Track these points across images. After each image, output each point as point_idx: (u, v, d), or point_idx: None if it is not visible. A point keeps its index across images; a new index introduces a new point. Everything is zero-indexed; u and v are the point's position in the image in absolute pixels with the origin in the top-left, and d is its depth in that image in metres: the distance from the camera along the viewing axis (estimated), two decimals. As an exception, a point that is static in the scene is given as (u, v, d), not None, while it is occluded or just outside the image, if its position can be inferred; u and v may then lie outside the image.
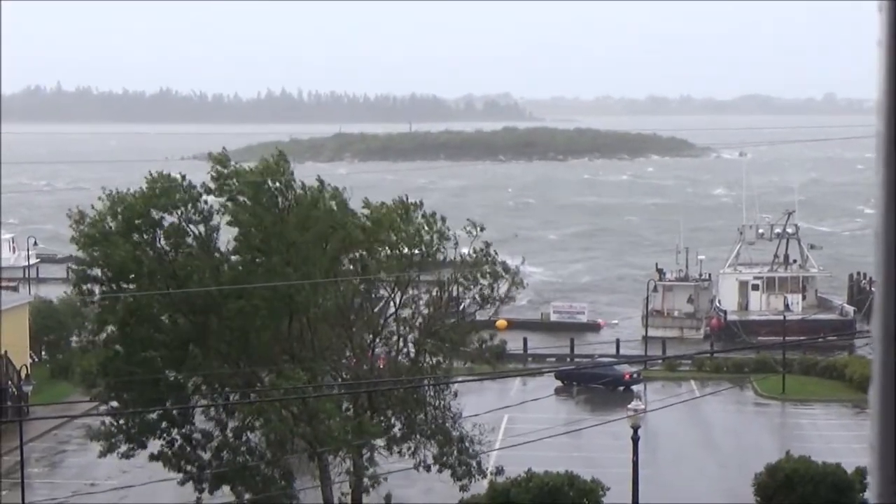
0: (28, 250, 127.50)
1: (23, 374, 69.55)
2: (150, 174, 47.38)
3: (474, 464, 47.82)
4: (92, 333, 50.07)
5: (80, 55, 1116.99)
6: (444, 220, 49.72)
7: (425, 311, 49.29)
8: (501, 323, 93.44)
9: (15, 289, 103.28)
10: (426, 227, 48.98)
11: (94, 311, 48.51)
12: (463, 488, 47.57)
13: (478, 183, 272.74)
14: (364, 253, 48.77)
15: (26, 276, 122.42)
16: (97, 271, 46.48)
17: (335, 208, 47.38)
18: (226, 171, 46.60)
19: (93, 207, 46.81)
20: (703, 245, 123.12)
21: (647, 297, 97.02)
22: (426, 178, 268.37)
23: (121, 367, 45.39)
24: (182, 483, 47.45)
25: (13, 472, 59.86)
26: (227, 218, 46.66)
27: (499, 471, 48.17)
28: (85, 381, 46.55)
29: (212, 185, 46.63)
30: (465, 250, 49.48)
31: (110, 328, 47.03)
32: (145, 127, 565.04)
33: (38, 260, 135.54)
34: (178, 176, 47.42)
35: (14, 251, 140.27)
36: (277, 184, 45.94)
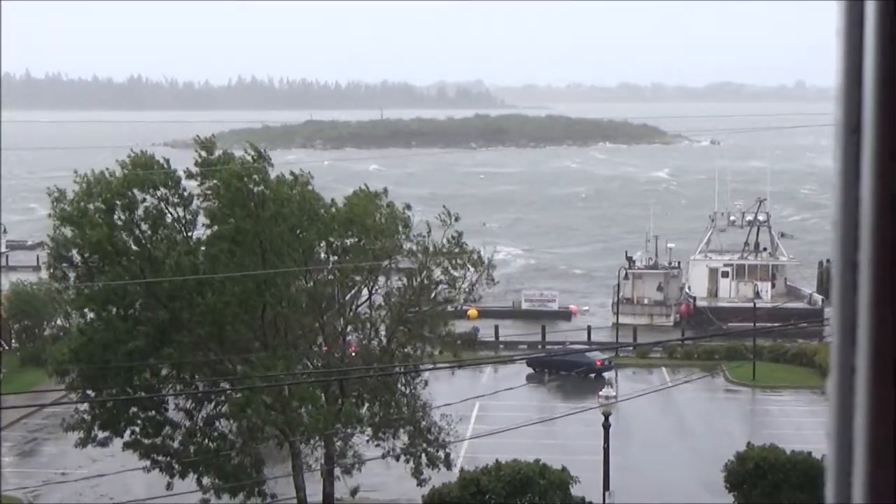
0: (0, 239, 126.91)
1: (-8, 363, 69.27)
2: (131, 152, 47.18)
3: (442, 455, 47.83)
4: (65, 318, 49.93)
5: (49, 41, 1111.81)
6: (409, 207, 49.74)
7: (396, 300, 49.31)
8: (472, 312, 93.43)
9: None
10: (391, 216, 49.03)
11: (69, 296, 48.29)
12: (421, 482, 47.57)
13: (450, 170, 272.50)
14: (336, 241, 48.71)
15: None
16: (73, 253, 46.23)
17: (307, 199, 47.30)
18: (211, 157, 46.44)
19: (73, 188, 46.55)
20: (669, 233, 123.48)
21: (618, 285, 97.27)
22: (398, 165, 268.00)
23: (94, 354, 45.18)
24: (148, 471, 47.30)
25: (-17, 461, 59.71)
26: (206, 204, 46.47)
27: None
28: (57, 368, 46.31)
29: (194, 170, 46.42)
30: (437, 239, 49.47)
31: (84, 314, 46.79)
32: (116, 114, 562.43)
33: (7, 249, 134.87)
34: (161, 159, 47.20)
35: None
36: (255, 181, 45.68)
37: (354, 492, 47.54)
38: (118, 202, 45.64)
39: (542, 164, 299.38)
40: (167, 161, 47.49)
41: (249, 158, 46.49)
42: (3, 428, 65.67)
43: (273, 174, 47.67)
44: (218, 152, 47.17)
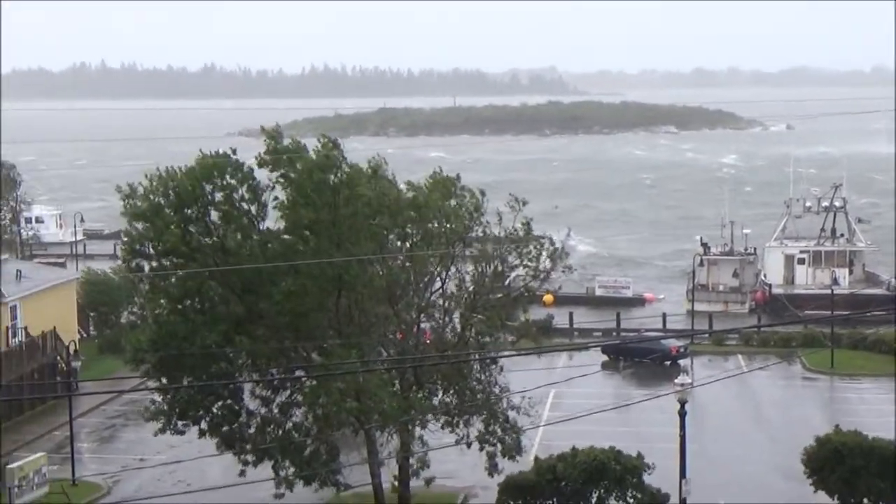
0: (75, 227, 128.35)
1: (71, 350, 70.06)
2: (201, 151, 47.33)
3: (516, 442, 47.76)
4: (142, 309, 50.31)
5: (125, 32, 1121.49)
6: (483, 193, 49.61)
7: (470, 287, 49.23)
8: (548, 298, 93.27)
9: (62, 265, 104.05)
10: (465, 202, 48.92)
11: (145, 289, 48.62)
12: (491, 470, 47.54)
13: (523, 158, 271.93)
14: (411, 229, 48.68)
15: (73, 252, 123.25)
16: (148, 248, 46.49)
17: (381, 186, 47.31)
18: (279, 146, 46.51)
19: (142, 183, 46.81)
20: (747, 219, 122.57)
21: (693, 271, 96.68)
22: (471, 153, 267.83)
23: (171, 344, 45.51)
24: (220, 450, 47.58)
25: (63, 446, 60.46)
26: (277, 195, 46.53)
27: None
28: (135, 358, 46.68)
29: (266, 158, 46.47)
30: (508, 225, 49.33)
31: (162, 304, 47.07)
32: (189, 103, 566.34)
33: (85, 236, 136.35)
34: (229, 151, 47.31)
35: (61, 227, 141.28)
36: (333, 172, 45.67)
37: (429, 482, 47.58)
38: (188, 197, 45.82)
39: (611, 151, 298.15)
40: (233, 150, 47.54)
41: (322, 148, 46.38)
42: (82, 414, 66.47)
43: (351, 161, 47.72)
44: (286, 140, 47.16)
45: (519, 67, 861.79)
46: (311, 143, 47.94)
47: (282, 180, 45.97)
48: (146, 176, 46.60)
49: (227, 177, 46.06)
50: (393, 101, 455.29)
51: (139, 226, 46.39)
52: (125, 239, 47.69)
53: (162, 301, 46.78)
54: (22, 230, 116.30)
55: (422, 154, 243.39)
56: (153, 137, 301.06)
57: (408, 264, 48.43)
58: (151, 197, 45.85)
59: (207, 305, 46.32)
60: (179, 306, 46.36)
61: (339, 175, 45.40)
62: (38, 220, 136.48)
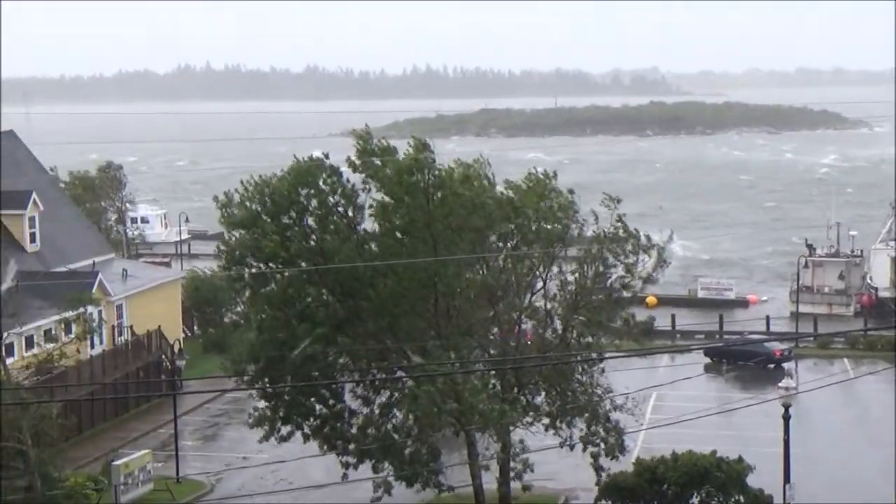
0: (180, 226, 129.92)
1: (176, 349, 70.94)
2: (295, 157, 47.69)
3: (617, 443, 47.56)
4: (244, 318, 50.90)
5: (229, 34, 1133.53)
6: (572, 192, 49.41)
7: (571, 287, 49.05)
8: (651, 299, 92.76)
9: (167, 264, 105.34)
10: (558, 202, 48.77)
11: (246, 295, 49.13)
12: (597, 471, 47.37)
13: (622, 158, 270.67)
14: (510, 230, 48.63)
15: (178, 251, 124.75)
16: (247, 256, 46.93)
17: (478, 187, 47.31)
18: (368, 147, 46.67)
19: (237, 191, 47.33)
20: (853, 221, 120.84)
21: (798, 273, 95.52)
22: (571, 154, 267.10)
23: (272, 349, 46.02)
24: (323, 450, 47.89)
25: (168, 444, 61.24)
26: (370, 197, 46.80)
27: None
28: (236, 368, 47.35)
29: (356, 161, 46.70)
30: (606, 225, 49.09)
31: (263, 310, 47.50)
32: (292, 104, 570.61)
33: (190, 236, 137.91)
34: (321, 155, 47.65)
35: (166, 227, 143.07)
36: (424, 174, 45.75)
37: (527, 488, 47.44)
38: (284, 203, 46.21)
39: (710, 152, 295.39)
40: (326, 154, 47.89)
41: (412, 150, 46.44)
42: (186, 412, 67.27)
43: (443, 163, 47.78)
44: (374, 141, 47.25)
45: (621, 68, 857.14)
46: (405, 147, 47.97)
47: (373, 183, 46.20)
48: (241, 183, 47.09)
49: (321, 182, 46.34)
50: (494, 102, 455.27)
51: (237, 234, 46.98)
52: (224, 248, 48.26)
53: (263, 307, 47.19)
54: (128, 230, 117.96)
55: (519, 155, 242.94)
56: (256, 138, 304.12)
57: (508, 265, 48.37)
58: (248, 204, 46.32)
59: (307, 310, 46.62)
60: (279, 311, 46.72)
61: (429, 176, 45.39)
62: (144, 221, 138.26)
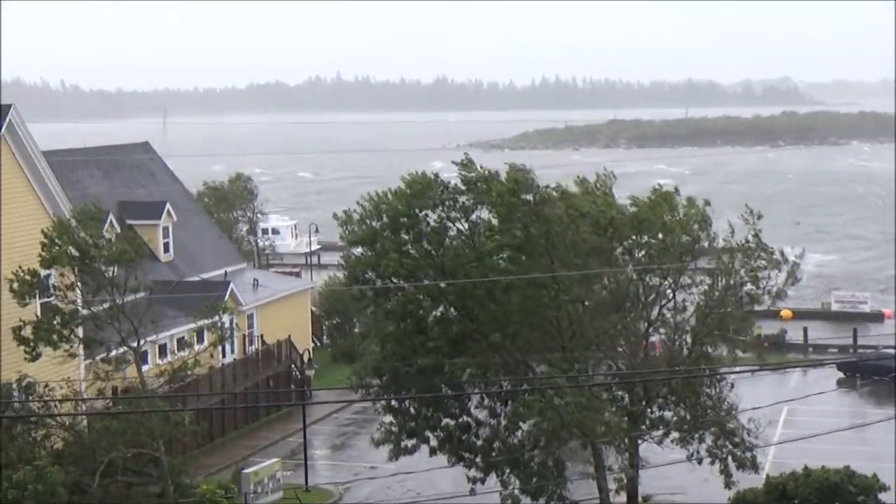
0: (310, 237, 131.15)
1: (305, 358, 71.68)
2: (408, 175, 48.33)
3: (749, 458, 46.97)
4: (366, 336, 51.64)
5: (360, 46, 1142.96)
6: (707, 203, 49.02)
7: (701, 300, 48.65)
8: (786, 313, 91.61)
9: (297, 275, 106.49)
10: (690, 214, 48.45)
11: (370, 311, 49.89)
12: (728, 484, 46.86)
13: (755, 169, 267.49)
14: (634, 244, 48.47)
15: (308, 262, 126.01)
16: (368, 272, 47.68)
17: (602, 202, 47.40)
18: (472, 175, 47.40)
19: (356, 210, 48.08)
20: None
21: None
22: (699, 164, 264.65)
23: (395, 367, 46.72)
24: (451, 462, 48.15)
25: (297, 453, 61.86)
26: (483, 216, 47.51)
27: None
28: (360, 384, 47.99)
29: (462, 187, 47.54)
30: (739, 237, 48.62)
31: (385, 325, 48.12)
32: (421, 115, 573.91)
33: (319, 246, 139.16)
34: (432, 174, 48.35)
35: (296, 238, 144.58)
36: (526, 194, 46.24)
37: (647, 499, 47.18)
38: (400, 220, 46.94)
39: (842, 163, 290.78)
40: (436, 174, 48.59)
41: (509, 175, 47.03)
42: (315, 422, 67.93)
43: (570, 174, 47.98)
44: (478, 167, 47.92)
45: (752, 77, 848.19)
46: (542, 156, 48.18)
47: (483, 204, 47.00)
48: (359, 201, 47.90)
49: (435, 198, 47.06)
50: (623, 113, 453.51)
51: (358, 252, 47.81)
52: (346, 265, 49.07)
53: (385, 322, 47.88)
54: (259, 240, 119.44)
55: (645, 166, 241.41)
56: (384, 149, 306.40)
57: (634, 278, 48.20)
58: (367, 222, 47.17)
59: (427, 324, 47.14)
60: (401, 326, 47.32)
61: (536, 195, 45.91)
62: (275, 231, 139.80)
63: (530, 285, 45.38)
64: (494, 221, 47.29)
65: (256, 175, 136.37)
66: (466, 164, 47.77)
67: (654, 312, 48.44)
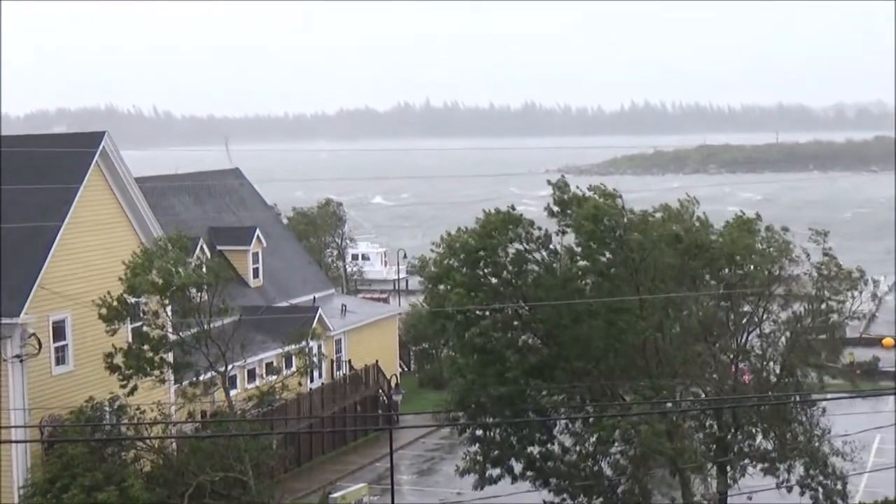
0: (398, 264, 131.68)
1: (393, 384, 71.95)
2: (484, 211, 48.74)
3: (838, 489, 46.43)
4: (448, 368, 52.01)
5: (445, 74, 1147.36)
6: (785, 230, 48.77)
7: (790, 326, 48.28)
8: (888, 341, 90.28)
9: (385, 301, 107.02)
10: (771, 241, 48.26)
11: (451, 343, 50.25)
12: None
13: (848, 196, 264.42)
14: (721, 270, 48.29)
15: (396, 288, 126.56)
16: (445, 307, 47.98)
17: (689, 228, 47.37)
18: (566, 196, 47.54)
19: (431, 249, 48.67)
20: None
21: None
22: (791, 189, 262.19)
23: (477, 396, 46.94)
24: (537, 487, 48.11)
25: (384, 478, 61.99)
26: (567, 242, 47.71)
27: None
28: (445, 418, 48.42)
29: (555, 209, 47.71)
30: (816, 261, 48.33)
31: (467, 355, 48.44)
32: (511, 141, 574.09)
33: (407, 273, 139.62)
34: (508, 208, 48.66)
35: (386, 265, 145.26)
36: (609, 220, 46.34)
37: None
38: (479, 254, 47.37)
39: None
40: (512, 206, 48.98)
41: (598, 198, 47.13)
42: (402, 447, 68.08)
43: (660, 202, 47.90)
44: (572, 189, 48.02)
45: (844, 101, 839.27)
46: (630, 181, 48.29)
47: (568, 229, 47.15)
48: (434, 244, 48.50)
49: (511, 233, 47.38)
50: (713, 138, 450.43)
51: (437, 290, 48.29)
52: (426, 305, 49.46)
53: (467, 353, 48.17)
54: (347, 266, 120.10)
55: (733, 191, 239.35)
56: (473, 175, 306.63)
57: (722, 303, 47.98)
58: (443, 261, 47.71)
59: (509, 353, 47.32)
60: (483, 356, 47.52)
61: (623, 221, 45.91)
62: (365, 258, 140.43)
63: (615, 310, 45.40)
64: (578, 249, 47.44)
65: (349, 201, 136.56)
66: (562, 186, 47.95)
67: (742, 339, 48.19)
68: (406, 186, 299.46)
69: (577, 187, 48.32)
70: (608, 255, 46.20)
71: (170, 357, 47.27)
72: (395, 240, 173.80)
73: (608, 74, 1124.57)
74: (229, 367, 47.77)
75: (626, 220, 46.42)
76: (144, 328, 46.99)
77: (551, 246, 47.73)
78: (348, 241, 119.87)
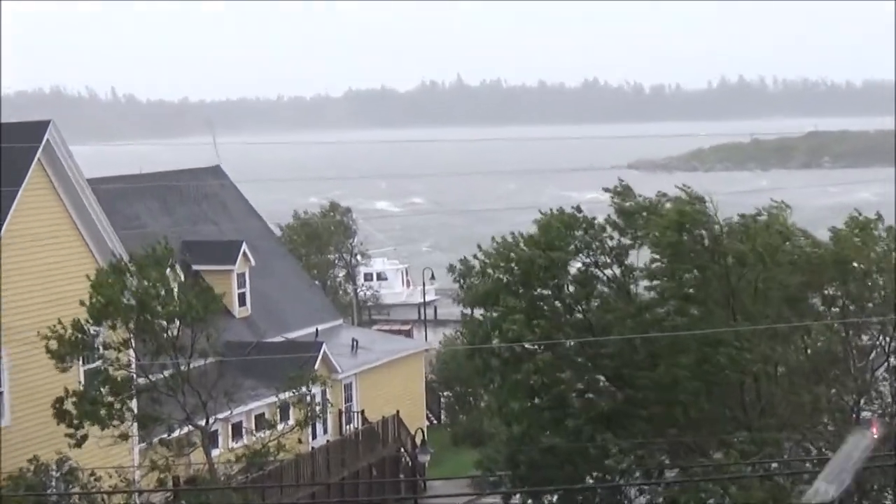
0: (424, 285, 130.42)
1: (418, 440, 71.80)
2: (542, 213, 48.44)
3: None
4: (496, 407, 51.74)
5: (486, 45, 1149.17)
6: None
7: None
8: None
9: (408, 333, 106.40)
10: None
11: (495, 383, 50.00)
12: None
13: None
14: (836, 290, 48.10)
15: (422, 316, 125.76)
16: (492, 337, 47.75)
17: (788, 238, 47.24)
18: (629, 205, 47.28)
19: (477, 256, 48.28)
20: None
21: None
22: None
23: (531, 453, 46.72)
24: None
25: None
26: (645, 255, 47.42)
27: None
28: (488, 482, 48.30)
29: (619, 221, 47.41)
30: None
31: (513, 401, 48.25)
32: (565, 128, 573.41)
33: (437, 297, 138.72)
34: (573, 209, 48.39)
35: (408, 286, 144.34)
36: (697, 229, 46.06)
37: None
38: (533, 270, 46.96)
39: None
40: (578, 208, 48.55)
41: (678, 203, 46.70)
42: (430, 521, 67.95)
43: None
44: (637, 197, 47.75)
45: None
46: (721, 178, 48.02)
47: (642, 242, 46.83)
48: (477, 253, 48.08)
49: (578, 242, 47.08)
50: (826, 123, 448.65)
51: (479, 313, 47.97)
52: (465, 331, 49.15)
53: (515, 396, 47.93)
54: (359, 289, 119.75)
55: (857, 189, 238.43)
56: (519, 170, 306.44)
57: (838, 334, 47.77)
58: (490, 272, 47.27)
59: (569, 398, 47.18)
60: (533, 402, 47.36)
61: (710, 231, 45.68)
62: (381, 277, 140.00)
63: (705, 344, 45.12)
64: (657, 264, 47.20)
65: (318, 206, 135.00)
66: (622, 192, 47.73)
67: (867, 377, 47.97)
68: (423, 186, 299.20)
69: (640, 196, 48.05)
70: (699, 271, 45.78)
71: (134, 405, 47.23)
72: (415, 257, 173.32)
73: (691, 48, 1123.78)
74: (210, 420, 47.76)
75: (720, 229, 46.12)
76: (104, 367, 46.75)
77: (626, 262, 47.44)
78: (359, 258, 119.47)
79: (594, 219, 48.37)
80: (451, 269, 49.29)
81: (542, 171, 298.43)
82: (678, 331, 45.42)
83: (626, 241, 47.79)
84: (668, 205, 47.30)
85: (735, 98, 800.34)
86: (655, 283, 47.42)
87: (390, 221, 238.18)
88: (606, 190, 48.86)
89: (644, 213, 47.11)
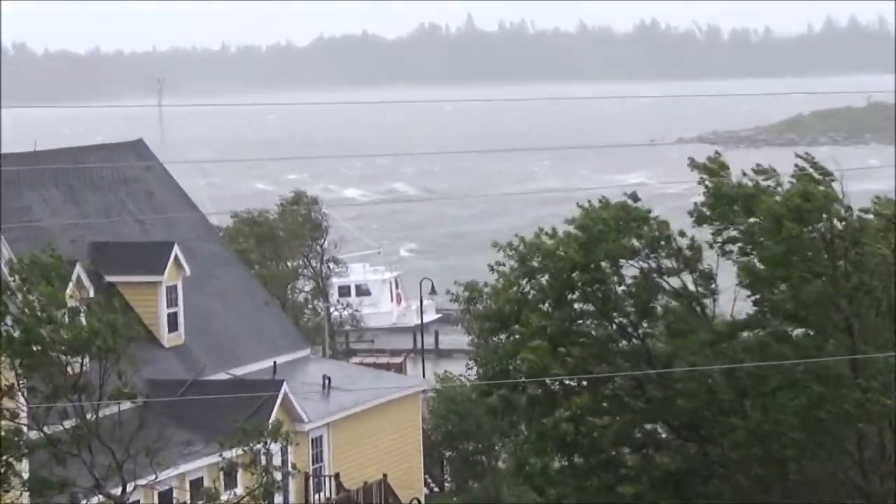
0: (421, 301, 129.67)
1: (413, 513, 71.98)
2: (587, 203, 48.39)
3: None
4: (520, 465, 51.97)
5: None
6: None
7: None
8: None
9: (400, 367, 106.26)
10: None
11: (519, 431, 50.19)
12: None
13: None
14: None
15: (418, 343, 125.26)
16: (509, 369, 47.92)
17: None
18: (723, 190, 47.15)
19: (490, 268, 48.58)
20: None
21: None
22: None
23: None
24: None
25: None
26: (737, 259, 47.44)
27: None
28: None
29: (705, 211, 47.35)
30: None
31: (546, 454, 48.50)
32: (614, 86, 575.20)
33: (438, 316, 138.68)
34: (627, 197, 48.52)
35: (400, 301, 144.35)
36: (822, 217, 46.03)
37: None
38: (569, 279, 47.05)
39: None
40: (634, 196, 48.70)
41: (799, 182, 46.69)
42: None
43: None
44: (737, 179, 47.79)
45: None
46: (830, 153, 48.02)
47: (735, 241, 46.83)
48: (497, 248, 48.25)
49: (634, 240, 47.11)
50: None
51: (498, 338, 48.12)
52: (477, 359, 49.34)
53: (545, 449, 48.14)
54: (333, 307, 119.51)
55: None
56: (545, 145, 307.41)
57: None
58: (512, 279, 47.47)
59: (626, 453, 47.44)
60: (573, 459, 47.59)
61: (833, 221, 45.70)
62: (362, 291, 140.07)
63: (816, 378, 45.17)
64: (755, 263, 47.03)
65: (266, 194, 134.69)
66: (714, 168, 47.60)
67: None
68: (411, 168, 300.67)
69: (745, 175, 47.98)
70: (814, 279, 45.72)
71: (24, 468, 47.23)
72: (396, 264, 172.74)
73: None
74: (129, 487, 47.77)
75: (848, 223, 46.00)
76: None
77: (699, 266, 47.49)
78: (331, 265, 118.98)
79: (648, 211, 48.40)
80: (455, 296, 49.38)
81: (576, 146, 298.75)
82: (778, 360, 45.32)
83: (709, 238, 47.64)
84: (772, 187, 47.07)
85: (845, 46, 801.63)
86: (750, 295, 47.28)
87: (363, 215, 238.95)
88: (694, 166, 48.60)
89: (737, 201, 46.86)
